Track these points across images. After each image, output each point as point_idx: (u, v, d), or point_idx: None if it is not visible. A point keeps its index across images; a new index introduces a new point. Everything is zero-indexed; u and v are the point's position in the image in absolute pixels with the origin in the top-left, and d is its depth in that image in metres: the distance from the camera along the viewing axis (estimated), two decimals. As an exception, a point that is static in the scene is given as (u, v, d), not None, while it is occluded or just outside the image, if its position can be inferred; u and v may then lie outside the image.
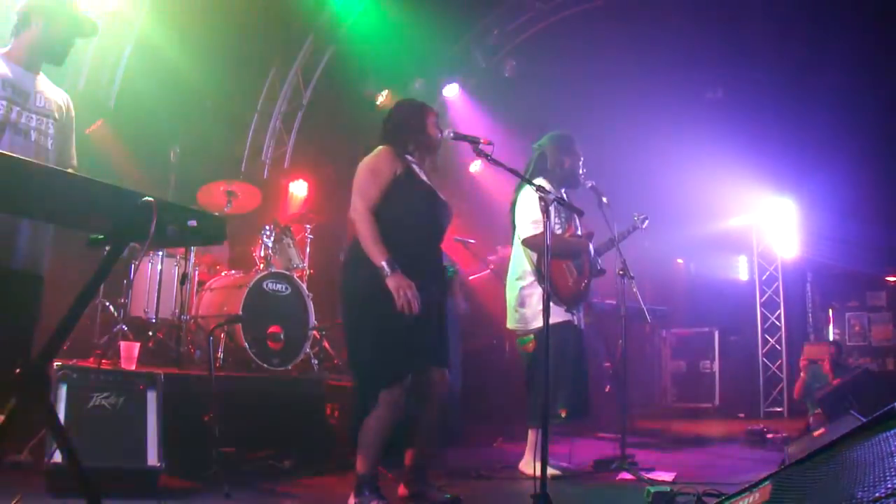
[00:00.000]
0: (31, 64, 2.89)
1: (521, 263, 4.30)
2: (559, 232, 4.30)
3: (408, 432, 3.29)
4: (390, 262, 2.99)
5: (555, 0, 8.47)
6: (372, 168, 3.19)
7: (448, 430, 5.06)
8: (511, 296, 4.34)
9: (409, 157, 3.30)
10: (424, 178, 3.32)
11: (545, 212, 3.16)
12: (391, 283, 2.97)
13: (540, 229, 4.12)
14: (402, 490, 3.31)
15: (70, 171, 3.00)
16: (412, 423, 3.27)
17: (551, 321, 3.23)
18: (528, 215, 4.19)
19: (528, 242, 4.21)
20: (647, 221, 4.76)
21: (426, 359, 3.19)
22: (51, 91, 2.96)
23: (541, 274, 4.13)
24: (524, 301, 4.26)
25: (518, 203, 4.31)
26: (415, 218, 3.19)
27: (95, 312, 4.98)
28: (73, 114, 3.07)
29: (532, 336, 4.23)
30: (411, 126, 3.36)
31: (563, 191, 4.36)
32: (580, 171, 4.46)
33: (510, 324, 4.38)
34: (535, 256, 4.21)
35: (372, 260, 3.02)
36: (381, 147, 3.27)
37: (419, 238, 3.21)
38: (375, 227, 3.06)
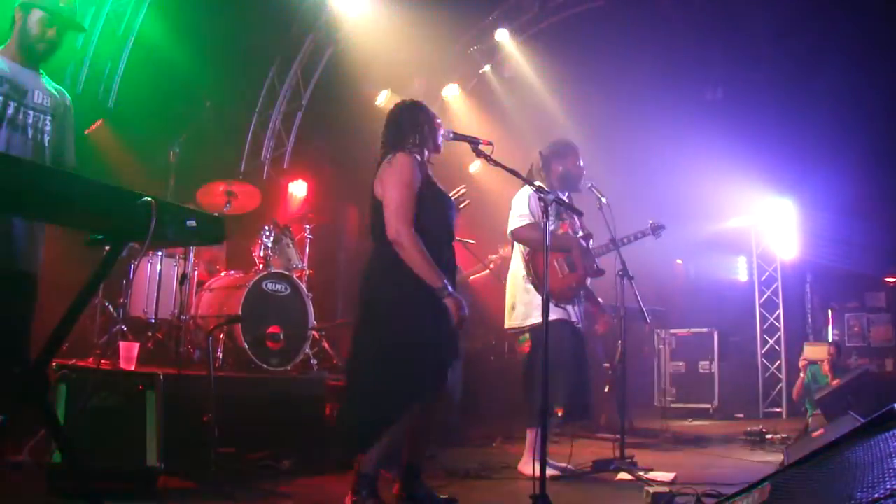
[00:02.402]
0: (28, 61, 2.88)
1: (517, 263, 4.33)
2: (552, 228, 4.31)
3: (406, 432, 3.29)
4: (447, 283, 3.05)
5: (555, 1, 8.47)
6: (408, 183, 3.09)
7: (448, 430, 5.07)
8: (508, 294, 4.39)
9: (419, 159, 3.25)
10: (435, 180, 3.30)
11: (545, 212, 3.17)
12: (451, 302, 3.02)
13: (526, 222, 4.17)
14: (396, 489, 3.30)
15: (69, 170, 3.01)
16: (410, 423, 3.26)
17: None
18: (517, 210, 4.26)
19: (516, 234, 4.27)
20: (662, 231, 4.64)
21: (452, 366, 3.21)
22: (49, 88, 2.94)
23: (531, 269, 4.17)
24: (518, 299, 4.28)
25: (512, 202, 4.35)
26: (435, 223, 3.18)
27: (95, 312, 4.98)
28: (71, 111, 3.05)
29: (527, 335, 4.24)
30: (424, 129, 3.29)
31: (564, 194, 4.38)
32: (581, 175, 4.48)
33: (506, 323, 4.40)
34: (525, 251, 4.25)
35: (428, 281, 3.01)
36: (402, 156, 3.14)
37: (438, 242, 3.19)
38: (424, 248, 3.03)
